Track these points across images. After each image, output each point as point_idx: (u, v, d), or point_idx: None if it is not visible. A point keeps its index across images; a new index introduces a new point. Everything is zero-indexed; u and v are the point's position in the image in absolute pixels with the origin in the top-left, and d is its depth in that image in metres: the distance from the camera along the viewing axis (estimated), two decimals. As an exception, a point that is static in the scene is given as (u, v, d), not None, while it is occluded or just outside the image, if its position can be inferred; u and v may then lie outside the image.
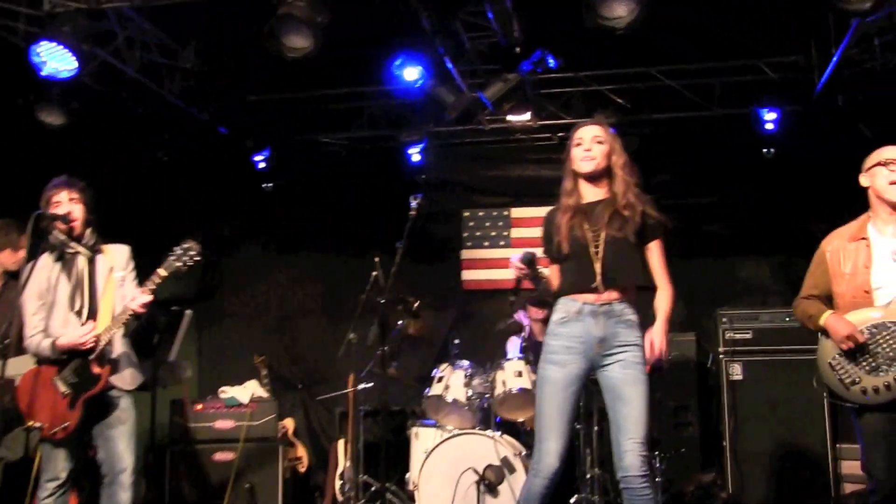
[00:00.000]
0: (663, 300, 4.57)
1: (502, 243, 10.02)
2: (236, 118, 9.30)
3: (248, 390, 8.58)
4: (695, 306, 9.19)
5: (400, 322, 7.87)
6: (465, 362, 7.46)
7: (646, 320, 4.61)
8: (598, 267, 4.35)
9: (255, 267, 10.54)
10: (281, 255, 10.50)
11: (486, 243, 10.06)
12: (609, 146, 4.56)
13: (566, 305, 4.43)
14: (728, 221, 9.46)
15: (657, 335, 4.46)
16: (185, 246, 5.10)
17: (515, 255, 4.90)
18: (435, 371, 7.54)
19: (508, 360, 7.25)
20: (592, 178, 4.56)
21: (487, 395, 7.15)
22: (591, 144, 4.54)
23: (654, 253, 4.57)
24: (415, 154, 9.51)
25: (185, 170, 9.54)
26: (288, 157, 9.97)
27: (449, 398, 7.18)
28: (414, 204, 5.41)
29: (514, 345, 7.86)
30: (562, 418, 4.37)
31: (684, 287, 9.25)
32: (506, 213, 10.05)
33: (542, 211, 9.74)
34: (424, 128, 9.40)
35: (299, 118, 9.76)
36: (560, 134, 9.62)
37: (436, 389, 7.30)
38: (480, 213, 10.10)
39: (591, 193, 4.59)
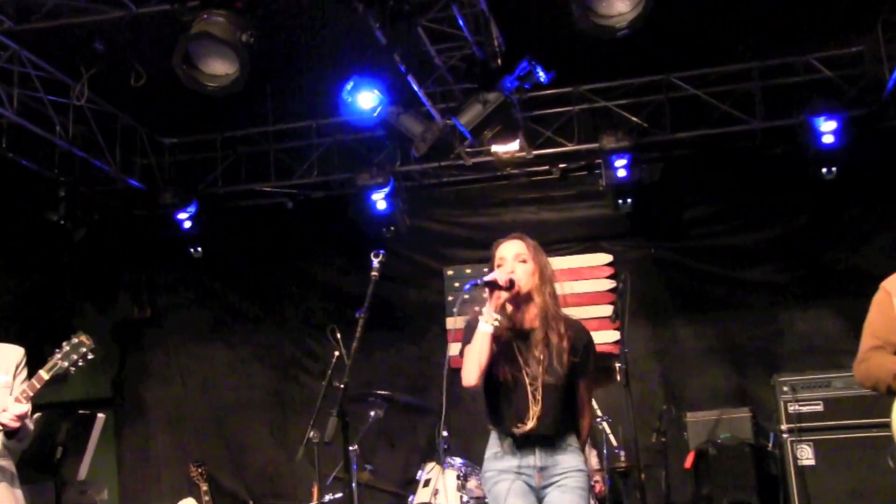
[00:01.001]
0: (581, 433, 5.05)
1: (497, 306, 9.89)
2: (150, 167, 9.30)
3: (183, 512, 8.47)
4: (746, 373, 9.18)
5: (372, 413, 7.73)
6: (458, 460, 7.29)
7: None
8: (533, 411, 4.81)
9: (185, 352, 10.46)
10: (216, 336, 10.43)
11: (477, 307, 9.87)
12: (535, 264, 4.95)
13: (498, 440, 4.93)
14: (780, 263, 9.40)
15: None
16: (75, 341, 5.15)
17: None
18: (420, 473, 7.45)
19: (511, 454, 7.15)
20: (519, 303, 4.96)
21: (488, 500, 7.02)
22: (513, 265, 4.91)
23: (580, 388, 4.98)
24: (379, 201, 9.43)
25: (90, 236, 9.34)
26: (220, 212, 9.96)
27: (439, 506, 7.09)
28: (375, 263, 5.33)
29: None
30: None
31: (730, 349, 9.39)
32: None
33: None
34: (389, 168, 9.35)
35: (230, 164, 9.76)
36: (562, 165, 9.71)
37: (422, 496, 7.17)
38: (467, 271, 9.99)
39: (521, 318, 4.97)
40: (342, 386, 5.61)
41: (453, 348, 10.15)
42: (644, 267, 9.48)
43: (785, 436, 8.04)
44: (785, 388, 8.14)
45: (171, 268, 10.36)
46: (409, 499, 7.34)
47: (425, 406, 8.26)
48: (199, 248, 9.94)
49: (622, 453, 7.35)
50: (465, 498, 7.05)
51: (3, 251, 8.50)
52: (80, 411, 7.51)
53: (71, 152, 8.26)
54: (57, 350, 5.15)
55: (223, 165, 9.77)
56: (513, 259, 4.90)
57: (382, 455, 9.38)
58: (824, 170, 8.72)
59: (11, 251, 8.66)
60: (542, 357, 4.83)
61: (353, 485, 7.34)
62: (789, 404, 8.09)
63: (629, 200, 9.24)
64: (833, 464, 7.92)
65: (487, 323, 4.76)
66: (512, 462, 4.85)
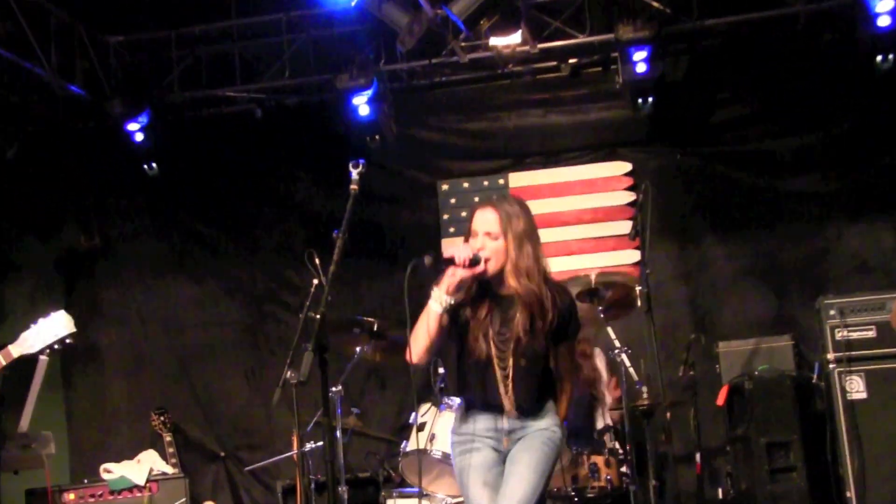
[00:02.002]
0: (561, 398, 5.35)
1: (500, 226, 9.92)
2: (94, 71, 9.16)
3: (144, 466, 8.54)
4: (786, 296, 9.20)
5: (358, 349, 7.76)
6: (456, 400, 7.22)
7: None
8: (502, 392, 5.11)
9: (142, 287, 10.45)
10: (178, 268, 10.44)
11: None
12: (506, 240, 5.11)
13: (468, 406, 5.25)
14: (827, 170, 9.37)
15: None
16: (53, 320, 5.48)
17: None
18: (413, 416, 7.50)
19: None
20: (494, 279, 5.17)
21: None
22: (483, 241, 5.11)
23: (560, 355, 5.28)
24: (362, 106, 9.36)
25: (25, 153, 9.43)
26: (177, 123, 9.92)
27: (437, 453, 7.11)
28: (354, 174, 5.26)
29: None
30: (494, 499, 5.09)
31: (768, 269, 9.36)
32: (501, 181, 9.97)
33: (554, 175, 9.85)
34: (372, 67, 9.26)
35: (188, 65, 9.66)
36: (572, 60, 9.62)
37: (416, 442, 7.22)
38: (465, 185, 10.05)
39: (498, 292, 5.18)
40: (318, 317, 5.62)
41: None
42: (668, 176, 9.48)
43: (832, 366, 8.05)
44: (832, 312, 8.13)
45: (123, 189, 10.32)
46: (402, 445, 7.42)
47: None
48: (155, 165, 9.85)
49: (644, 389, 7.36)
50: (466, 444, 7.10)
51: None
52: (20, 353, 7.55)
53: (-1, 55, 8.10)
54: (32, 324, 5.45)
55: (179, 68, 9.65)
56: (483, 236, 5.08)
57: (371, 397, 9.52)
58: (879, 59, 8.58)
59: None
60: (519, 336, 5.05)
61: (338, 432, 7.42)
62: (837, 330, 8.08)
63: (650, 100, 9.15)
64: (887, 397, 7.96)
65: (437, 302, 5.00)
66: (480, 425, 5.17)
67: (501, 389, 5.08)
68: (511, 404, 5.08)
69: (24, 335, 5.53)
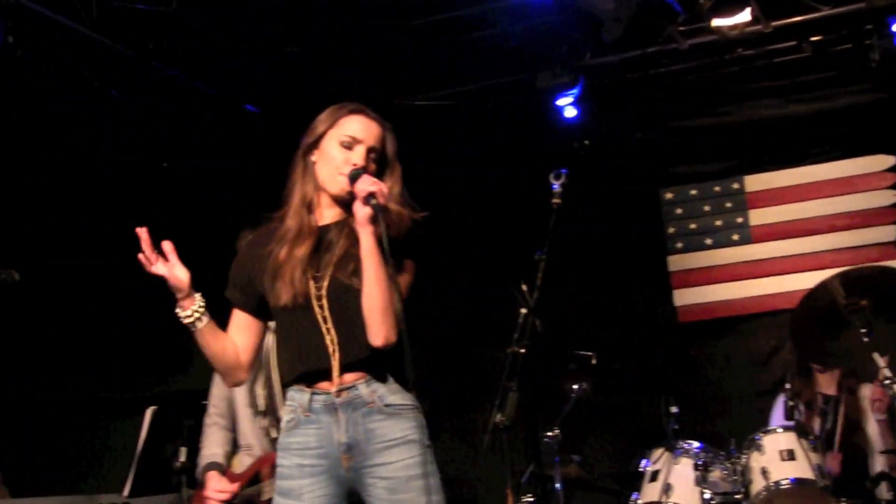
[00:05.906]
0: None
1: (736, 237, 9.81)
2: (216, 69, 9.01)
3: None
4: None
5: (575, 387, 7.85)
6: (694, 444, 7.34)
7: None
8: (327, 336, 4.35)
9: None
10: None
11: (709, 240, 9.89)
12: (390, 169, 4.56)
13: (291, 399, 4.49)
14: None
15: None
16: None
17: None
18: (644, 462, 7.46)
19: (768, 431, 7.07)
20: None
21: (739, 496, 7.01)
22: (365, 158, 4.44)
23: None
24: (567, 107, 9.40)
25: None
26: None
27: (673, 506, 7.11)
28: (557, 186, 5.24)
29: (777, 407, 7.79)
30: None
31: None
32: (736, 184, 9.89)
33: (798, 175, 9.67)
34: (577, 62, 9.25)
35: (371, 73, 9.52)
36: (815, 38, 9.33)
37: (649, 493, 7.20)
38: (692, 192, 10.01)
39: (329, 213, 4.59)
40: (522, 351, 5.68)
41: (679, 296, 10.20)
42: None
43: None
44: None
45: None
46: (633, 497, 7.36)
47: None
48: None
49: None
50: (709, 494, 7.02)
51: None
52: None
53: (96, 40, 7.97)
54: None
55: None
56: (365, 151, 4.43)
57: (593, 440, 9.46)
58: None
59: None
60: (344, 257, 4.37)
61: (557, 483, 7.42)
62: None
63: (915, 78, 8.91)
64: None
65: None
66: (305, 435, 4.39)
67: (324, 334, 4.30)
68: (338, 354, 4.30)
69: None
